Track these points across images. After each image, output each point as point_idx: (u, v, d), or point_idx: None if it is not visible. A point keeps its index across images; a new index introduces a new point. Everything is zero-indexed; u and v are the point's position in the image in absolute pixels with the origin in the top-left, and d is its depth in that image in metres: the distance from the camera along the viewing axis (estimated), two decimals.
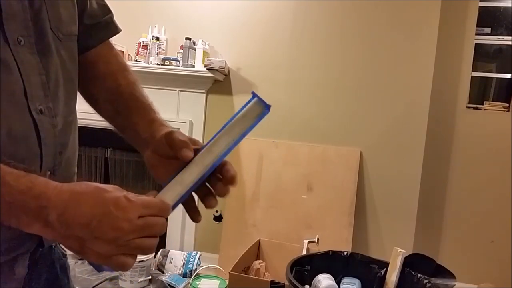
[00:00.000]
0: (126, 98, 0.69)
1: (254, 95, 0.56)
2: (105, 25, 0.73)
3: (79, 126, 0.68)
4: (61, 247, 0.71)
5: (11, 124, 0.50)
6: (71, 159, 0.64)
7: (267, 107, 0.55)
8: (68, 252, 0.58)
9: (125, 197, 0.46)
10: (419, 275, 1.40)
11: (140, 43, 2.65)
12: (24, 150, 0.52)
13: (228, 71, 2.66)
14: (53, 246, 0.67)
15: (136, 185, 2.87)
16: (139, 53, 2.65)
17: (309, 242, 2.39)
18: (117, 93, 0.70)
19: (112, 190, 0.47)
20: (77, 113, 0.68)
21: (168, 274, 2.34)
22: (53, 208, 0.45)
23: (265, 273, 2.23)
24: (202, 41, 2.60)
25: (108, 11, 0.74)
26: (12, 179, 0.45)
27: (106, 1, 0.74)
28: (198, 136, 2.69)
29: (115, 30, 0.75)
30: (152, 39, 2.65)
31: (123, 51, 2.63)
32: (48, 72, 0.56)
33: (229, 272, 1.91)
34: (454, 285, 1.30)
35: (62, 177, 0.59)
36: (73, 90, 0.65)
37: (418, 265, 1.43)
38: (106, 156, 2.92)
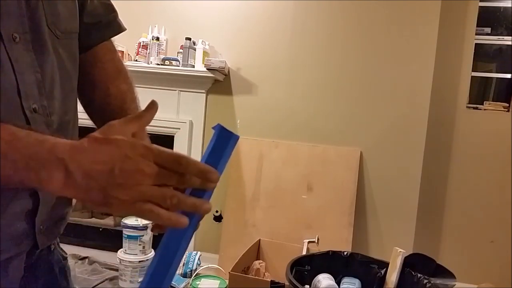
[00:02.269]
0: (112, 111, 0.69)
1: (217, 127, 0.52)
2: (106, 24, 0.72)
3: (79, 126, 0.68)
4: (61, 249, 0.70)
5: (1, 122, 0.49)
6: None
7: (234, 136, 0.50)
8: (68, 253, 0.57)
9: (141, 143, 0.45)
10: (419, 275, 1.40)
11: (140, 43, 2.65)
12: None
13: (228, 71, 2.66)
14: (52, 249, 0.66)
15: None
16: (139, 53, 2.65)
17: (309, 242, 2.39)
18: (105, 104, 0.70)
19: (124, 137, 0.45)
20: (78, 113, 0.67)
21: None
22: (72, 159, 0.43)
23: (265, 273, 2.23)
24: (202, 41, 2.60)
25: (111, 10, 0.73)
26: (24, 135, 0.44)
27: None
28: (198, 136, 2.69)
29: (118, 30, 0.74)
30: (152, 39, 2.65)
31: (123, 51, 2.63)
32: (44, 70, 0.55)
33: (229, 272, 1.91)
34: (454, 285, 1.30)
35: None
36: (71, 89, 0.64)
37: (418, 265, 1.43)
38: None
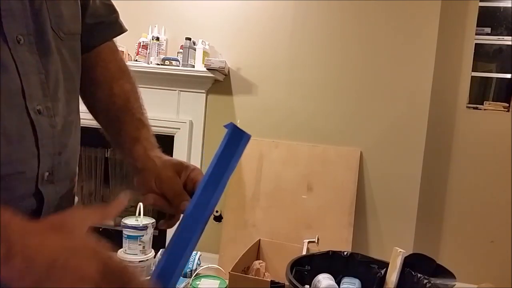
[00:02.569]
0: (117, 110, 0.70)
1: (230, 126, 0.53)
2: (108, 25, 0.72)
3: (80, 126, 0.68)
4: None
5: (6, 124, 0.49)
6: (72, 160, 0.63)
7: (246, 135, 0.52)
8: None
9: (92, 246, 0.43)
10: (419, 275, 1.40)
11: (140, 43, 2.65)
12: (20, 150, 0.52)
13: (228, 71, 2.66)
14: None
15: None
16: (139, 53, 2.65)
17: (309, 242, 2.39)
18: (111, 103, 0.70)
19: (80, 232, 0.43)
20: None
21: None
22: (18, 241, 0.39)
23: (265, 273, 2.23)
24: (202, 41, 2.60)
25: (113, 11, 0.74)
26: None
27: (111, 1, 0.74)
28: (198, 136, 2.69)
29: (119, 30, 0.75)
30: (152, 39, 2.65)
31: (123, 51, 2.63)
32: (48, 72, 0.56)
33: (229, 272, 1.91)
34: (454, 285, 1.30)
35: (61, 178, 0.59)
36: (74, 90, 0.64)
37: (418, 265, 1.43)
38: (106, 156, 2.92)
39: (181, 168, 0.65)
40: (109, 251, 0.43)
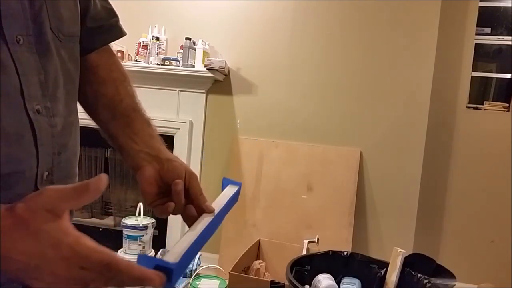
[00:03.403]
0: (125, 107, 0.70)
1: (226, 181, 0.69)
2: (108, 29, 0.73)
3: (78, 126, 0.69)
4: None
5: (5, 123, 0.49)
6: (72, 160, 0.63)
7: (238, 184, 0.67)
8: None
9: (67, 244, 0.41)
10: (419, 275, 1.40)
11: (140, 43, 2.65)
12: (19, 149, 0.52)
13: (228, 71, 2.66)
14: None
15: (136, 185, 2.86)
16: (139, 53, 2.65)
17: (309, 242, 2.39)
18: (118, 100, 0.71)
19: (50, 230, 0.41)
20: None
21: None
22: None
23: (265, 273, 2.23)
24: (202, 41, 2.60)
25: (113, 15, 0.74)
26: None
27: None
28: (198, 136, 2.69)
29: (119, 34, 0.76)
30: (152, 39, 2.65)
31: (123, 51, 2.63)
32: (47, 72, 0.56)
33: (229, 272, 1.91)
34: (454, 285, 1.30)
35: (61, 178, 0.59)
36: (73, 91, 0.65)
37: (418, 265, 1.43)
38: (106, 156, 2.92)
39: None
40: (88, 246, 0.41)
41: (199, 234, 0.54)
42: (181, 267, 0.49)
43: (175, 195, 0.63)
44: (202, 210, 0.63)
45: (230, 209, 0.66)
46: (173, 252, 0.49)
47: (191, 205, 0.65)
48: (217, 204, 0.63)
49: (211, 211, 0.61)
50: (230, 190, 0.67)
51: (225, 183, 0.68)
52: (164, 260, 0.45)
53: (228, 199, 0.64)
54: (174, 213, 0.64)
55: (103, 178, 0.44)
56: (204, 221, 0.57)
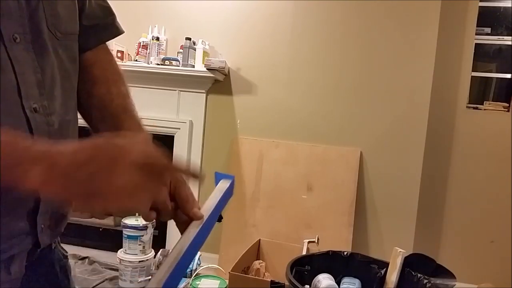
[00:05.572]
0: (115, 107, 0.69)
1: (219, 176, 0.68)
2: (104, 27, 0.72)
3: (78, 126, 0.68)
4: (62, 248, 0.71)
5: (1, 121, 0.49)
6: None
7: (231, 178, 0.67)
8: (69, 253, 0.57)
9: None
10: (419, 275, 1.40)
11: (140, 43, 2.65)
12: None
13: (228, 71, 2.66)
14: (53, 247, 0.67)
15: None
16: (139, 53, 2.65)
17: (309, 242, 2.39)
18: (108, 100, 0.69)
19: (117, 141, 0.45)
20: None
21: None
22: (55, 150, 0.43)
23: (265, 273, 2.23)
24: (202, 41, 2.60)
25: (110, 13, 0.73)
26: (7, 138, 0.42)
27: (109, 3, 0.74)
28: (198, 136, 2.69)
29: (116, 33, 0.75)
30: (152, 39, 2.65)
31: (123, 51, 2.63)
32: (44, 71, 0.56)
33: (229, 272, 1.91)
34: (454, 285, 1.30)
35: None
36: (71, 90, 0.64)
37: (418, 265, 1.43)
38: None
39: None
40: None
41: (184, 251, 0.52)
42: (173, 281, 0.49)
43: (159, 203, 0.62)
44: (190, 217, 0.61)
45: (226, 203, 0.66)
46: (156, 277, 0.48)
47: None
48: (210, 202, 0.62)
49: (199, 218, 0.59)
50: (223, 185, 0.66)
51: (218, 177, 0.68)
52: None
53: (222, 194, 0.64)
54: (163, 220, 0.63)
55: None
56: (192, 232, 0.55)
